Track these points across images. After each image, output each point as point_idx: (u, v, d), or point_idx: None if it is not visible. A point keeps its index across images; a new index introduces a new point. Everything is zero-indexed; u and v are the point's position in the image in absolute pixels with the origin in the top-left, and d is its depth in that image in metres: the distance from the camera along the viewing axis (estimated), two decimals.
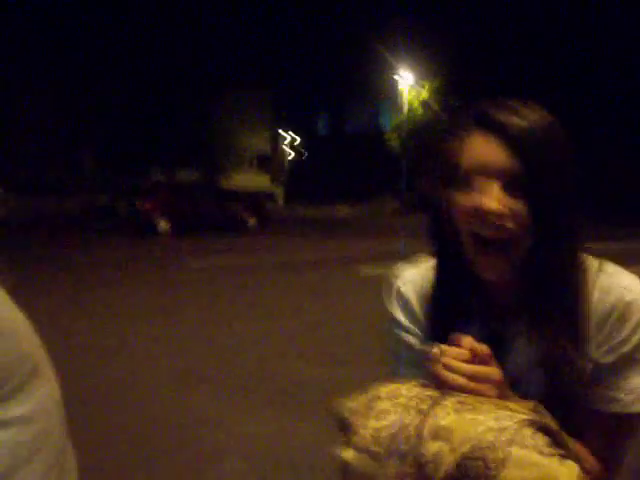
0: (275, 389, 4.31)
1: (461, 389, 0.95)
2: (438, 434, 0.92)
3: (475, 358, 0.98)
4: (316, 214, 36.47)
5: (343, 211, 38.88)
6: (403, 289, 1.26)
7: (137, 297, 8.12)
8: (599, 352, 1.06)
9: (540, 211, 1.01)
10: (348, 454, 0.98)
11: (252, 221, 21.70)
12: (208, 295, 8.31)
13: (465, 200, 1.05)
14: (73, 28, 37.47)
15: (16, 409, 0.89)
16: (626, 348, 1.04)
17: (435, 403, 0.95)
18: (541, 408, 1.00)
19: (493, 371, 0.99)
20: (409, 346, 1.24)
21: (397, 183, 37.98)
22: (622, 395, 1.06)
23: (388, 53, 35.36)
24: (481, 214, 1.02)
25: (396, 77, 37.98)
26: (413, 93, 36.89)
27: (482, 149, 1.04)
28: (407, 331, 1.24)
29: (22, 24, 36.02)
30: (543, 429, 0.92)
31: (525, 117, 1.03)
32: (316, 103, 64.86)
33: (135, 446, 3.36)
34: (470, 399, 0.94)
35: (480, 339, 1.11)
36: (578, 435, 1.09)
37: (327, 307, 7.21)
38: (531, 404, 1.00)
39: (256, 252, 13.88)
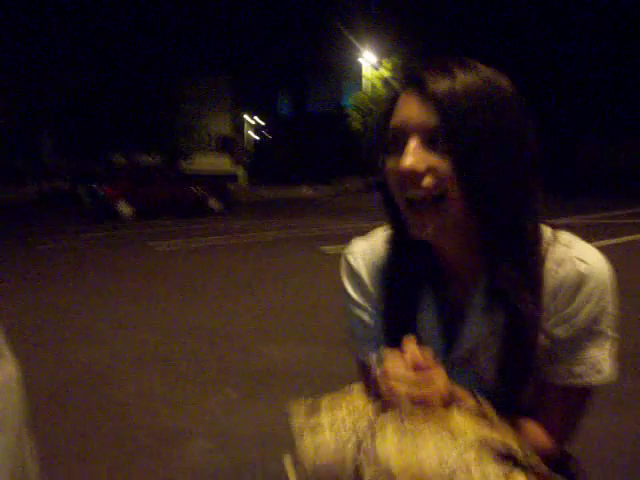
0: (242, 369, 4.34)
1: (404, 398, 0.94)
2: (377, 460, 0.90)
3: (419, 363, 0.96)
4: (280, 195, 36.38)
5: (307, 192, 38.84)
6: (353, 263, 1.24)
7: (102, 281, 8.05)
8: (552, 324, 1.05)
9: (461, 167, 0.98)
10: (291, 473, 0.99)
11: (215, 203, 21.55)
12: (173, 278, 8.28)
13: (391, 162, 1.04)
14: (31, 12, 36.57)
15: None
16: (578, 320, 1.03)
17: (375, 425, 0.93)
18: (485, 406, 0.99)
19: (436, 377, 0.96)
20: (361, 321, 1.23)
21: (359, 162, 38.01)
22: (576, 367, 1.05)
23: (349, 32, 35.28)
24: (399, 173, 1.01)
25: (358, 57, 37.91)
26: (374, 71, 36.86)
27: (404, 108, 1.03)
28: (359, 306, 1.23)
29: None
30: (486, 446, 0.90)
31: (451, 74, 1.01)
32: (277, 84, 64.50)
33: (100, 430, 3.37)
34: (410, 421, 0.91)
35: (436, 309, 1.14)
36: (533, 407, 1.10)
37: (293, 286, 7.24)
38: (475, 405, 0.98)
39: (219, 234, 13.82)
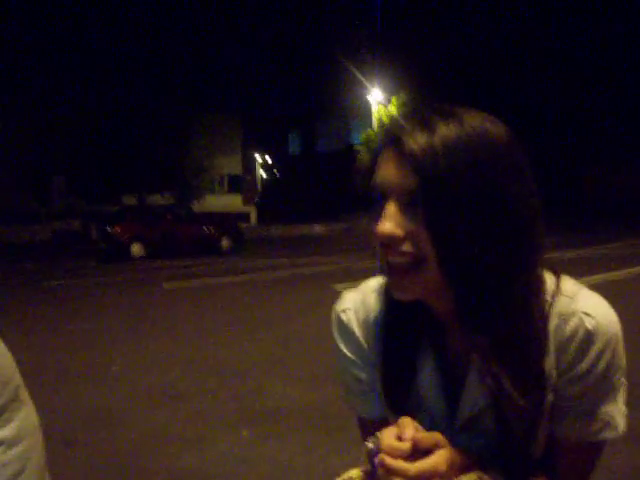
0: (256, 408, 4.29)
1: None
2: None
3: (418, 448, 0.91)
4: (290, 233, 36.47)
5: (317, 229, 38.92)
6: (345, 319, 1.18)
7: (112, 320, 8.04)
8: (561, 382, 1.00)
9: (438, 234, 0.92)
10: None
11: (226, 242, 21.64)
12: (185, 316, 8.26)
13: (372, 225, 0.99)
14: (44, 53, 37.27)
15: (0, 432, 0.91)
16: (590, 378, 0.98)
17: None
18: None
19: (437, 464, 0.91)
20: (357, 379, 1.17)
21: (369, 198, 38.03)
22: (591, 425, 1.01)
23: (357, 70, 35.66)
24: (378, 238, 0.96)
25: (367, 95, 38.25)
26: (382, 109, 37.16)
27: (383, 168, 0.98)
28: (353, 364, 1.17)
29: None
30: None
31: (431, 130, 0.94)
32: (287, 123, 65.06)
33: (111, 471, 3.33)
34: None
35: (436, 367, 1.08)
36: (544, 462, 1.06)
37: (306, 324, 7.20)
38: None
39: (230, 272, 13.83)
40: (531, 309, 0.98)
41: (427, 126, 0.95)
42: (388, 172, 0.96)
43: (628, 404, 1.04)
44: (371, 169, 1.02)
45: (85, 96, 36.49)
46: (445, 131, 0.93)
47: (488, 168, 0.93)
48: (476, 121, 0.96)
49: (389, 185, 0.96)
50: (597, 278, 8.48)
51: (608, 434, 1.02)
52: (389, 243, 0.95)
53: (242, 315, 8.21)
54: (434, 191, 0.91)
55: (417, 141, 0.93)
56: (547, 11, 36.02)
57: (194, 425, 3.97)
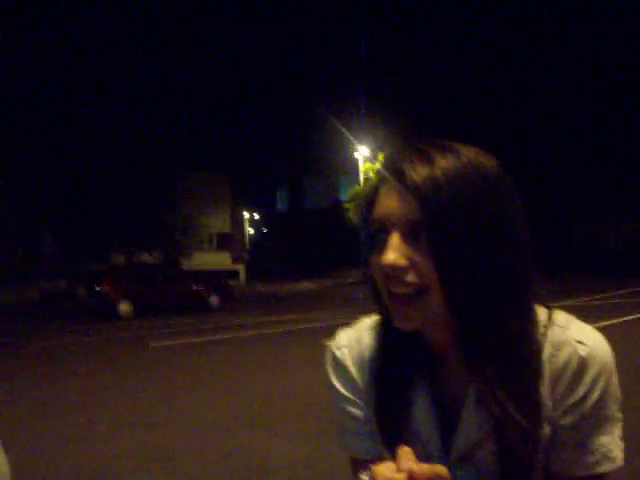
0: (246, 466, 4.23)
1: None
2: None
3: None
4: (279, 290, 36.32)
5: (305, 285, 38.82)
6: (339, 355, 1.18)
7: (100, 379, 7.95)
8: (556, 413, 0.99)
9: (442, 263, 0.94)
10: None
11: (215, 300, 21.54)
12: (172, 375, 8.16)
13: (375, 256, 1.00)
14: (29, 109, 37.54)
15: None
16: (585, 407, 0.98)
17: None
18: None
19: None
20: (351, 416, 1.16)
21: (357, 254, 38.15)
22: (587, 457, 0.99)
23: (344, 128, 36.18)
24: (382, 270, 0.97)
25: (354, 153, 38.70)
26: (369, 165, 37.55)
27: (385, 200, 1.00)
28: (347, 401, 1.17)
29: None
30: None
31: (430, 162, 0.97)
32: (275, 180, 65.68)
33: None
34: None
35: (430, 402, 1.08)
36: None
37: (297, 380, 7.13)
38: None
39: (219, 329, 13.72)
40: (529, 337, 1.00)
41: (427, 158, 0.97)
42: (390, 204, 0.98)
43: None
44: (370, 203, 1.04)
45: (73, 153, 36.65)
46: (444, 163, 0.96)
47: (486, 197, 0.96)
48: (471, 153, 1.00)
49: (392, 216, 0.97)
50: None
51: (605, 467, 1.00)
52: (393, 273, 0.95)
53: (229, 373, 8.14)
54: (438, 221, 0.93)
55: (419, 173, 0.95)
56: (536, 66, 36.89)
57: None
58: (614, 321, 10.49)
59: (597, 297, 16.35)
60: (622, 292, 17.47)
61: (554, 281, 20.48)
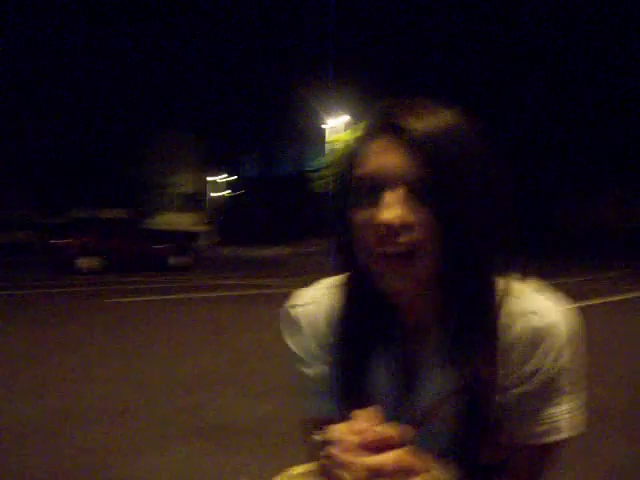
0: (196, 422, 4.13)
1: None
2: None
3: (370, 443, 0.83)
4: (244, 254, 36.31)
5: (271, 251, 38.86)
6: (293, 313, 1.16)
7: (58, 334, 7.78)
8: (509, 384, 0.98)
9: (446, 220, 0.91)
10: None
11: (177, 260, 21.40)
12: (130, 332, 8.03)
13: (361, 214, 0.94)
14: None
15: None
16: (535, 379, 0.97)
17: None
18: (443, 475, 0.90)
19: (389, 460, 0.83)
20: (305, 376, 1.13)
21: (323, 223, 38.22)
22: (536, 428, 0.99)
23: (313, 99, 35.96)
24: (376, 228, 0.91)
25: (321, 124, 38.50)
26: (336, 135, 37.39)
27: (378, 157, 0.94)
28: (302, 361, 1.13)
29: None
30: None
31: (427, 117, 0.94)
32: (243, 145, 65.10)
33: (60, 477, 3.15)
34: None
35: (389, 365, 1.05)
36: (494, 466, 1.03)
37: (251, 341, 7.09)
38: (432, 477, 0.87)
39: (180, 289, 13.63)
40: (495, 303, 0.99)
41: (422, 114, 0.94)
42: (385, 161, 0.93)
43: None
44: (351, 162, 0.98)
45: (41, 107, 35.92)
46: (437, 117, 0.94)
47: (475, 154, 0.95)
48: (453, 112, 0.98)
49: (387, 174, 0.92)
50: None
51: (554, 438, 1.00)
52: (389, 232, 0.91)
53: (188, 332, 8.05)
54: (442, 177, 0.90)
55: (418, 128, 0.92)
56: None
57: (130, 439, 3.79)
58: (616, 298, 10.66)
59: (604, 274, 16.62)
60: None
61: (542, 261, 20.77)
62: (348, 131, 37.30)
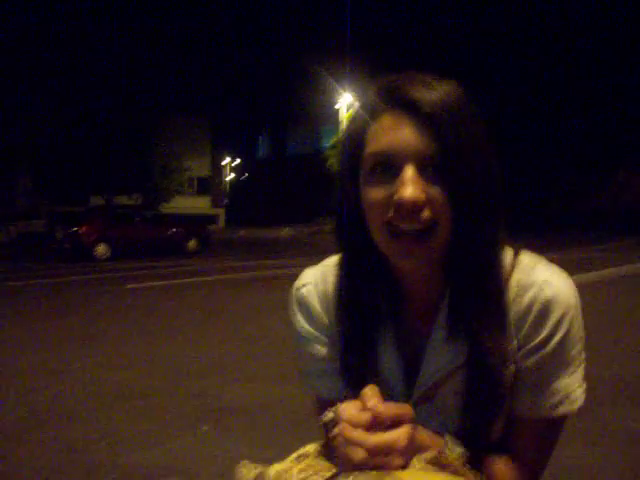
0: (213, 404, 4.22)
1: (362, 464, 0.84)
2: None
3: (380, 420, 0.85)
4: (259, 235, 36.33)
5: (286, 232, 38.84)
6: (303, 291, 1.15)
7: (75, 320, 7.90)
8: (521, 355, 0.98)
9: (458, 197, 0.91)
10: None
11: (192, 244, 21.48)
12: (147, 317, 8.13)
13: (376, 191, 0.94)
14: (10, 48, 36.61)
15: None
16: (548, 349, 0.97)
17: None
18: (450, 452, 0.92)
19: (399, 437, 0.86)
20: (316, 355, 1.13)
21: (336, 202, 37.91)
22: (550, 399, 0.99)
23: (327, 76, 35.67)
24: (395, 205, 0.91)
25: (336, 103, 38.22)
26: (351, 113, 37.19)
27: (392, 133, 0.93)
28: (311, 340, 1.13)
29: None
30: None
31: (436, 90, 0.93)
32: (257, 127, 64.94)
33: (66, 464, 3.24)
34: None
35: (396, 342, 1.06)
36: (504, 440, 1.04)
37: (271, 324, 7.15)
38: (437, 454, 0.89)
39: (197, 274, 13.70)
40: (501, 275, 0.99)
41: (428, 85, 0.94)
42: (400, 136, 0.92)
43: None
44: (363, 135, 0.98)
45: (52, 94, 35.98)
46: (445, 90, 0.94)
47: (480, 129, 0.96)
48: (451, 82, 0.98)
49: (404, 149, 0.92)
50: None
51: (565, 408, 1.00)
52: (412, 209, 0.90)
53: (205, 316, 8.12)
54: (457, 153, 0.90)
55: (432, 102, 0.92)
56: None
57: (149, 422, 3.89)
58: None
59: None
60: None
61: (540, 236, 20.66)
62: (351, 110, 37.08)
